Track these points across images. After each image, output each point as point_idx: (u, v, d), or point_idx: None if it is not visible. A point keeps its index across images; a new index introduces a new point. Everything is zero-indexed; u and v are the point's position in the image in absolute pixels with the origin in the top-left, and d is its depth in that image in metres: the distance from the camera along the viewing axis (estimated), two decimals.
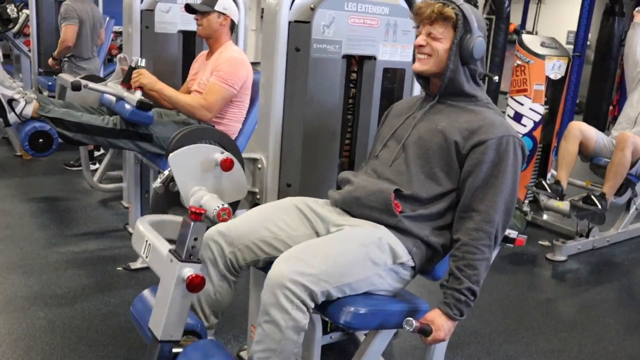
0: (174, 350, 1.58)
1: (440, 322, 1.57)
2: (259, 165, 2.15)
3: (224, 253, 1.71)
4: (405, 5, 2.25)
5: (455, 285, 1.58)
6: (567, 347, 2.62)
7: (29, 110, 2.60)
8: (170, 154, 1.91)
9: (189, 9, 2.91)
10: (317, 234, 1.76)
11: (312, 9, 2.01)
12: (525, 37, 4.13)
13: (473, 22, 1.67)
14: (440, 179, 1.69)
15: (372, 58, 2.18)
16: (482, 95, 1.77)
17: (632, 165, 3.64)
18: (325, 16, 2.01)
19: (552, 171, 4.27)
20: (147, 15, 3.35)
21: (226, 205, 1.83)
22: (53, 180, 4.44)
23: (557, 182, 3.77)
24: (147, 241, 1.71)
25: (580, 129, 3.82)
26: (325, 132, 2.16)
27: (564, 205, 3.44)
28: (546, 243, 3.85)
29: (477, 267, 1.58)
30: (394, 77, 2.32)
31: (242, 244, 1.71)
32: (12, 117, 2.62)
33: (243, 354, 2.32)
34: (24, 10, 6.88)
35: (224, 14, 2.89)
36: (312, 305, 1.52)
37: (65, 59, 5.00)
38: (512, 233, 1.94)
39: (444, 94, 1.76)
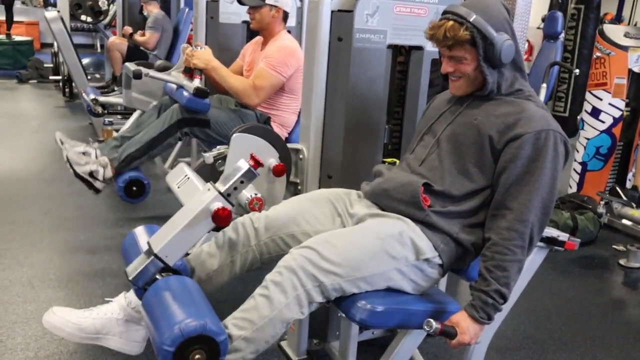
0: (157, 275, 1.53)
1: (466, 325, 1.50)
2: (301, 156, 2.14)
3: (259, 238, 1.69)
4: None
5: (482, 287, 1.51)
6: None
7: (109, 173, 2.77)
8: (235, 134, 1.96)
9: (241, 2, 2.95)
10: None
11: None
12: (607, 27, 3.86)
13: (490, 32, 1.55)
14: (473, 175, 1.61)
15: (420, 48, 2.11)
16: (525, 86, 1.67)
17: None
18: (368, 5, 1.96)
19: (632, 171, 3.99)
20: (213, 5, 3.44)
21: (260, 195, 1.84)
22: None
23: (635, 188, 3.54)
24: (186, 176, 1.74)
25: None
26: (367, 124, 2.11)
27: (639, 214, 3.22)
28: (620, 247, 3.60)
29: (507, 269, 1.50)
30: None
31: (276, 235, 1.70)
32: (99, 185, 2.78)
33: (284, 344, 2.33)
34: (114, 3, 7.26)
35: (275, 6, 2.90)
36: (318, 300, 1.48)
37: None
38: (561, 235, 1.82)
39: None
